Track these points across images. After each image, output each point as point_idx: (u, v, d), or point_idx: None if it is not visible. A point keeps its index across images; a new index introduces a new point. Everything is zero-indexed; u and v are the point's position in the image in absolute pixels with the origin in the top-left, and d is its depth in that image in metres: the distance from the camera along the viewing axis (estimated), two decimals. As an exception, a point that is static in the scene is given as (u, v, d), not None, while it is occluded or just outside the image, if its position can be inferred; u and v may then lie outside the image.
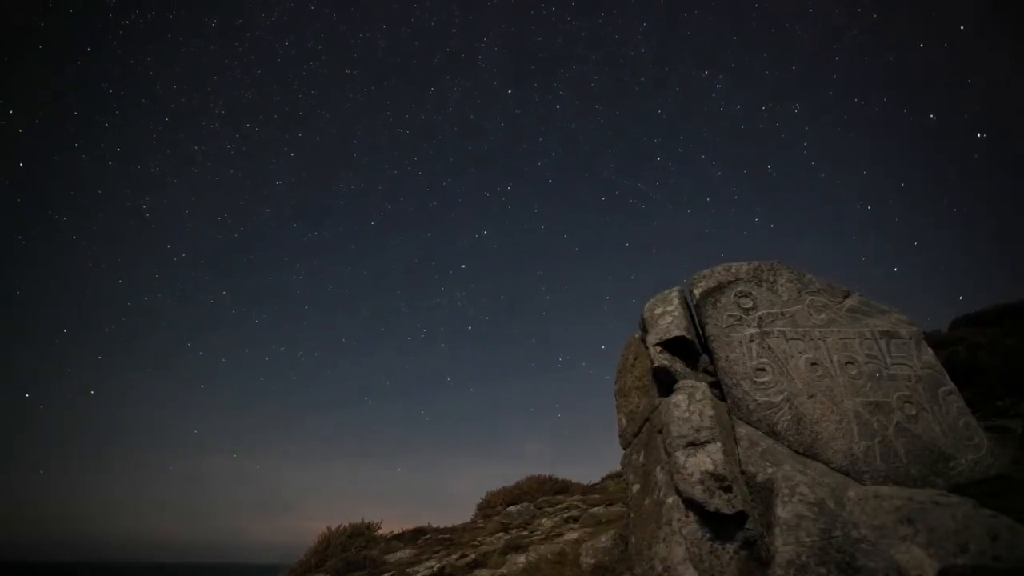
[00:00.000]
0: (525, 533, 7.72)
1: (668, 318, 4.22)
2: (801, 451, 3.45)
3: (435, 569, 6.40)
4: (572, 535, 6.36)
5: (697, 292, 4.22)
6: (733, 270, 4.29)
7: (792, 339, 3.90)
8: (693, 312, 4.31)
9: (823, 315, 4.06)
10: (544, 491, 10.83)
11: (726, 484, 3.18)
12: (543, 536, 7.07)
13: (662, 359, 4.07)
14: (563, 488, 11.13)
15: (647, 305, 4.55)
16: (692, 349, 4.16)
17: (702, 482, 3.20)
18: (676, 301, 4.36)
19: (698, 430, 3.43)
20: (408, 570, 6.81)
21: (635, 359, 4.59)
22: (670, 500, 3.37)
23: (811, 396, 3.63)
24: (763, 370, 3.76)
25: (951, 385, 3.79)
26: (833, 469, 3.34)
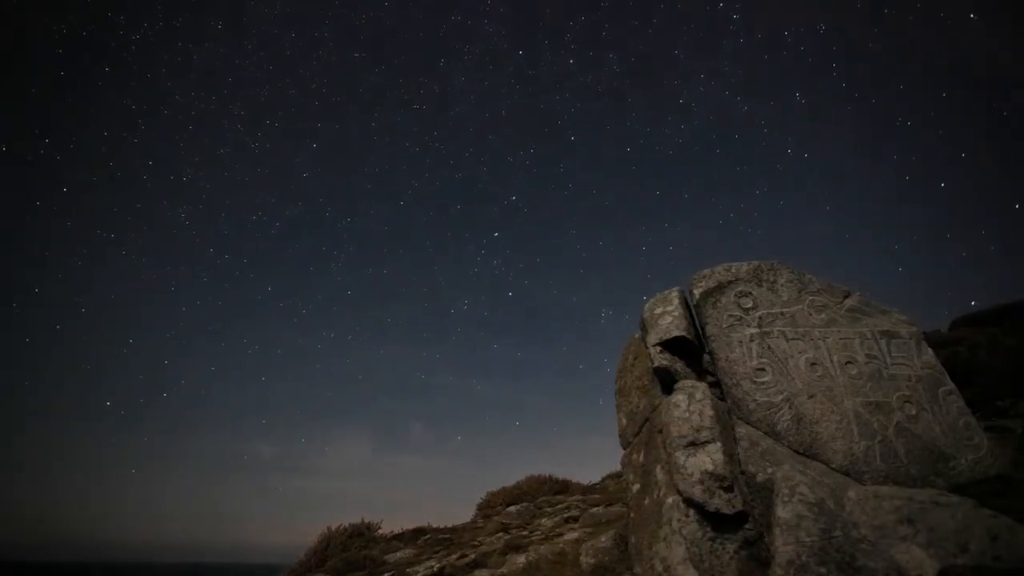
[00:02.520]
0: (525, 533, 7.72)
1: (668, 318, 4.22)
2: (801, 451, 3.45)
3: (435, 569, 6.40)
4: (572, 535, 6.36)
5: (697, 292, 4.22)
6: (733, 270, 4.29)
7: (792, 339, 3.90)
8: (693, 312, 4.31)
9: (823, 315, 4.06)
10: (544, 491, 10.82)
11: (726, 484, 3.18)
12: (543, 536, 7.07)
13: (662, 359, 4.07)
14: (563, 488, 11.12)
15: (647, 305, 4.55)
16: (692, 349, 4.16)
17: (702, 482, 3.20)
18: (676, 301, 4.36)
19: (698, 430, 3.43)
20: (408, 570, 6.81)
21: (635, 359, 4.59)
22: (670, 500, 3.37)
23: (811, 396, 3.63)
24: (763, 370, 3.76)
25: (951, 385, 3.79)
26: (833, 469, 3.34)
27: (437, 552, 7.80)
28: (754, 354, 3.83)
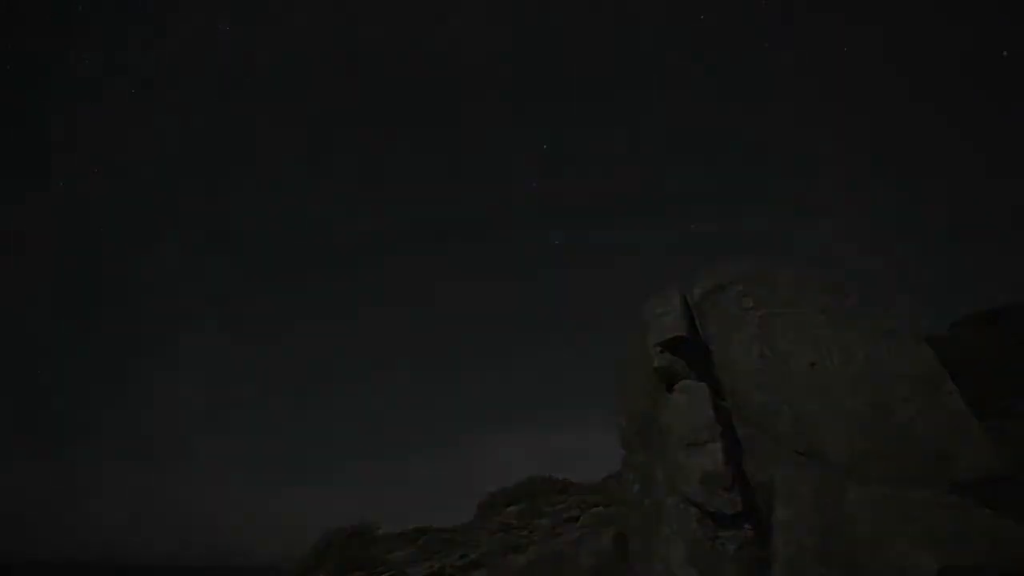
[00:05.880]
0: (525, 533, 7.72)
1: (668, 318, 4.22)
2: (801, 451, 3.45)
3: (435, 569, 6.40)
4: (572, 535, 6.35)
5: (697, 292, 4.23)
6: (733, 270, 4.29)
7: (792, 339, 3.90)
8: (693, 312, 4.32)
9: (823, 315, 4.06)
10: (544, 491, 10.82)
11: (726, 484, 3.18)
12: (543, 536, 7.07)
13: (662, 359, 4.07)
14: (563, 488, 11.12)
15: (647, 305, 4.56)
16: (693, 349, 4.16)
17: (702, 482, 3.20)
18: (676, 301, 4.36)
19: (698, 430, 3.43)
20: (408, 570, 6.81)
21: (635, 359, 4.59)
22: (670, 500, 3.38)
23: (811, 396, 3.63)
24: (763, 370, 3.76)
25: (951, 385, 3.79)
26: (833, 469, 3.34)
27: (437, 552, 7.80)
28: (754, 354, 3.83)
